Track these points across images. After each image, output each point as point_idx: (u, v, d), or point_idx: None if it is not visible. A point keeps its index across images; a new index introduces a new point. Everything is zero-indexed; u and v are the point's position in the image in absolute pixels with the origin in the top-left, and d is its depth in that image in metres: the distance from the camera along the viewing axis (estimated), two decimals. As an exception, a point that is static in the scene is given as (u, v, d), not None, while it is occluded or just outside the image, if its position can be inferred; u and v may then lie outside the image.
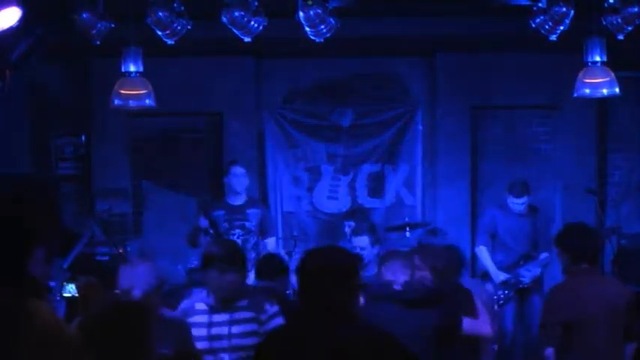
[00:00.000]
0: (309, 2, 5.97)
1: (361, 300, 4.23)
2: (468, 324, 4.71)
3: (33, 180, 8.35)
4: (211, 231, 7.14)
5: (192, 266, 8.74)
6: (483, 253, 7.77)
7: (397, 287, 4.55)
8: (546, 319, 4.58)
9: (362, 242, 6.82)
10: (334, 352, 3.13)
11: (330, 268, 3.25)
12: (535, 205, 7.82)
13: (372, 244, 6.85)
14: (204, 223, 7.13)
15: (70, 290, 4.10)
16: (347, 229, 8.04)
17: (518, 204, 7.56)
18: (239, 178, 7.35)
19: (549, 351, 4.48)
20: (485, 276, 7.77)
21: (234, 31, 6.23)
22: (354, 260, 3.45)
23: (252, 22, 6.20)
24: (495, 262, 7.69)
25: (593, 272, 4.59)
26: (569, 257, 4.59)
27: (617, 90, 6.73)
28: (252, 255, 7.23)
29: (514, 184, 7.64)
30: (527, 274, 7.56)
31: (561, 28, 6.15)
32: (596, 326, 4.41)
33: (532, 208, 7.72)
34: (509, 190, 7.59)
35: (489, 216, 7.89)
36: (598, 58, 6.62)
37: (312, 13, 6.03)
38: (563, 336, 4.44)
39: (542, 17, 6.17)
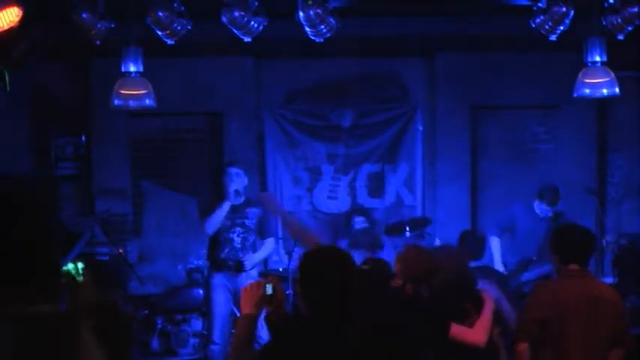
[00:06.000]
0: (309, 2, 5.97)
1: None
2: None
3: (33, 180, 8.35)
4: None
5: (192, 266, 8.76)
6: (493, 242, 7.75)
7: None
8: (525, 314, 4.57)
9: None
10: (339, 353, 3.13)
11: (331, 268, 3.26)
12: (561, 210, 7.63)
13: None
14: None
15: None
16: (357, 226, 8.13)
17: (546, 210, 7.49)
18: (235, 179, 7.32)
19: (523, 346, 4.47)
20: None
21: (234, 31, 6.23)
22: (352, 260, 3.45)
23: (252, 22, 6.20)
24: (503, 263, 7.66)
25: (581, 274, 4.53)
26: (559, 258, 4.57)
27: (617, 90, 6.73)
28: (249, 253, 7.23)
29: (546, 190, 7.52)
30: (527, 275, 7.53)
31: (561, 28, 6.16)
32: (574, 327, 4.37)
33: (557, 213, 7.55)
34: (540, 196, 7.50)
35: (510, 211, 7.83)
36: (598, 58, 6.62)
37: (312, 13, 6.03)
38: (539, 333, 4.43)
39: (542, 17, 6.18)
